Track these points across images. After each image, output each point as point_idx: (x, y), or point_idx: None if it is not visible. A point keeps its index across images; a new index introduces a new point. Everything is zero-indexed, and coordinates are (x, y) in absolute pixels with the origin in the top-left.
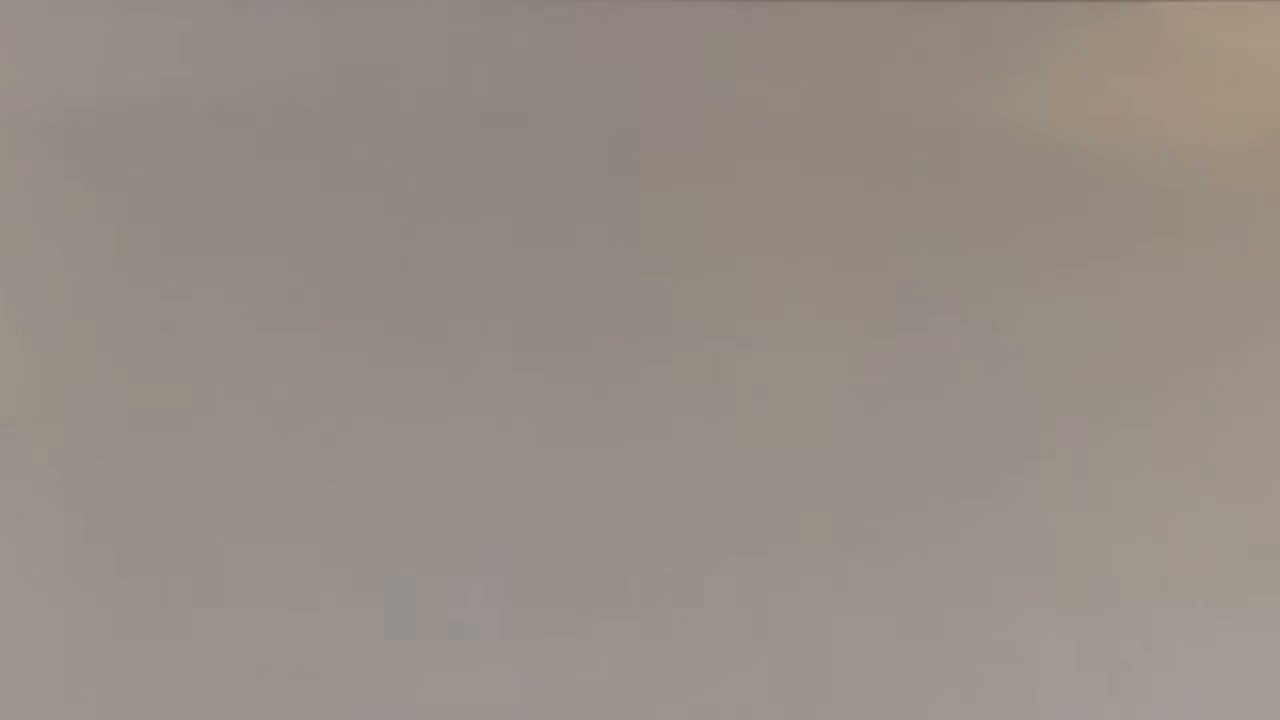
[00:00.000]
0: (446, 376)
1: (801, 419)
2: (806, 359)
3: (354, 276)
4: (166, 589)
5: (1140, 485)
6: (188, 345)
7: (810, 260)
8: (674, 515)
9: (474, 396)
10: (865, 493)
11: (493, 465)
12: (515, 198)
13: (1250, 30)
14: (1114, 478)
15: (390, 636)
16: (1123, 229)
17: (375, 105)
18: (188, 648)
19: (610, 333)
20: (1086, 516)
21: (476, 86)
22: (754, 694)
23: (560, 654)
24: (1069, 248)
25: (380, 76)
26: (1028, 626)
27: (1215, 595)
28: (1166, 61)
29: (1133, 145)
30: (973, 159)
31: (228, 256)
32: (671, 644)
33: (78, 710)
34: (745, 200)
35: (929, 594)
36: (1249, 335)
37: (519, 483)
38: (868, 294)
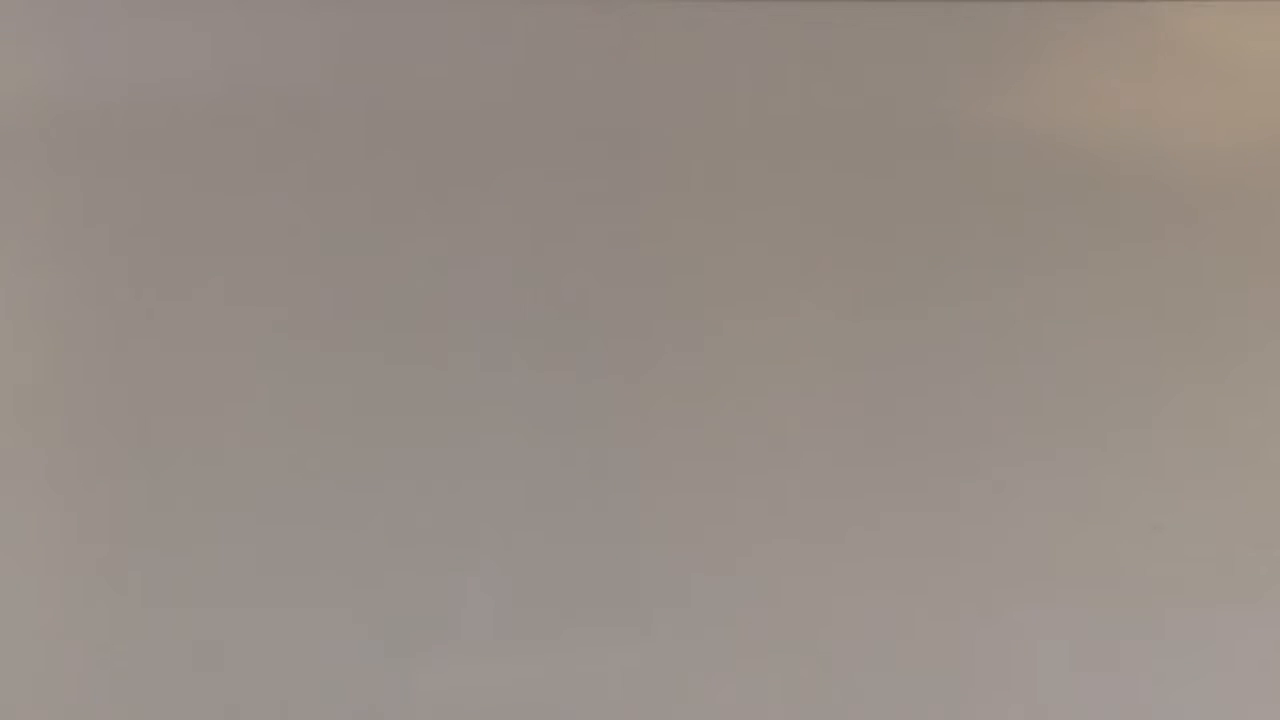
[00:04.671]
0: (446, 377)
1: (801, 419)
2: (806, 359)
3: (354, 276)
4: (166, 589)
5: (1140, 485)
6: (187, 345)
7: (810, 260)
8: (674, 515)
9: (474, 396)
10: (865, 493)
11: (492, 466)
12: (515, 198)
13: (1250, 30)
14: (1114, 477)
15: (390, 636)
16: (1123, 229)
17: (375, 105)
18: (186, 648)
19: (610, 333)
20: (1086, 516)
21: (476, 86)
22: (754, 694)
23: (560, 654)
24: (1069, 247)
25: (380, 76)
26: (1028, 626)
27: (1215, 595)
28: (1166, 61)
29: (1133, 145)
30: (973, 159)
31: (227, 256)
32: (671, 644)
33: (77, 710)
34: (745, 200)
35: (928, 594)
36: (1249, 335)
37: (519, 483)
38: (867, 293)
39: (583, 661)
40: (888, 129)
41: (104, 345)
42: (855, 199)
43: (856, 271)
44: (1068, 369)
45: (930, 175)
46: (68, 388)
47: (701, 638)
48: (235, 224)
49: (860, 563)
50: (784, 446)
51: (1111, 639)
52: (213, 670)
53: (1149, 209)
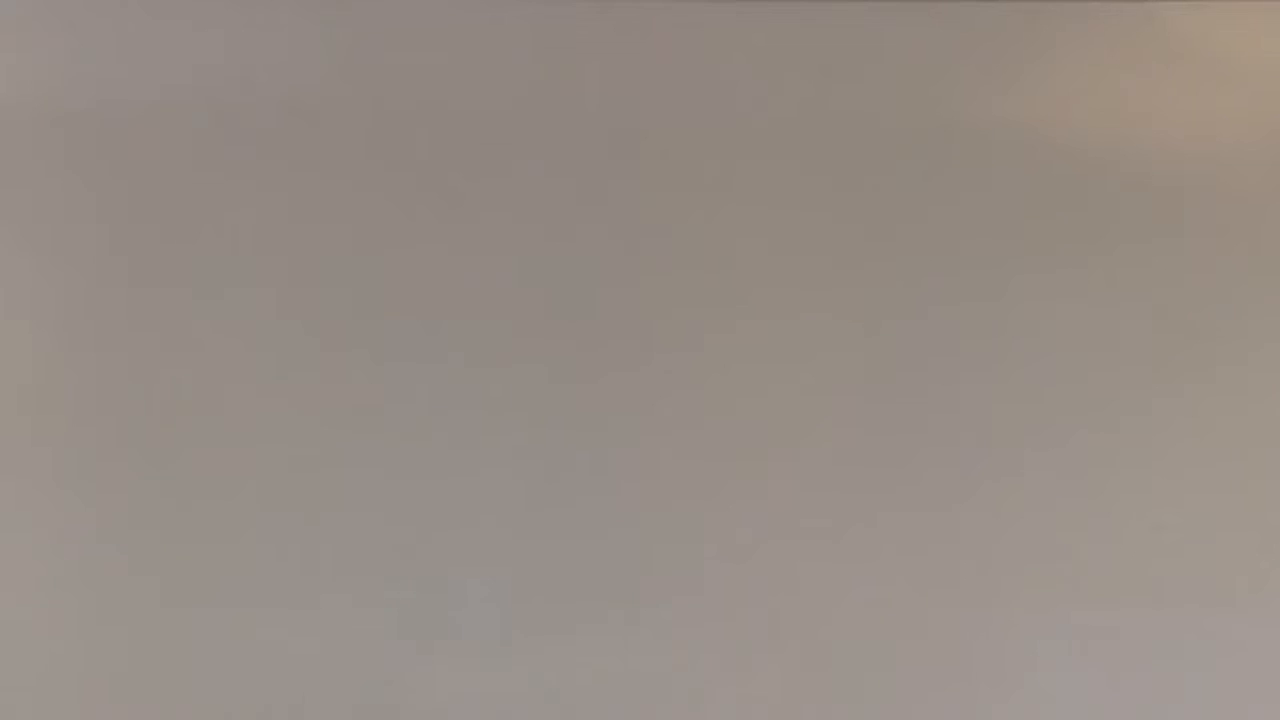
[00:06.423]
0: (446, 376)
1: (801, 418)
2: (806, 358)
3: (354, 276)
4: (167, 589)
5: (1140, 484)
6: (188, 345)
7: (810, 259)
8: (673, 514)
9: (474, 396)
10: (865, 492)
11: (493, 465)
12: (515, 197)
13: (1250, 30)
14: (1113, 477)
15: (391, 636)
16: (1123, 229)
17: (375, 105)
18: (188, 648)
19: (610, 332)
20: (1086, 515)
21: (477, 86)
22: (754, 693)
23: (560, 654)
24: (1069, 248)
25: (380, 76)
26: (1027, 625)
27: (1215, 595)
28: (1166, 61)
29: (1133, 145)
30: (973, 159)
31: (228, 256)
32: (671, 643)
33: (78, 710)
34: (745, 200)
35: (928, 593)
36: (1249, 335)
37: (519, 483)
38: (867, 293)
39: (584, 660)
40: (888, 129)
41: (107, 344)
42: (856, 199)
43: (857, 271)
44: (1067, 368)
45: (930, 175)
46: (72, 387)
47: (702, 636)
48: (235, 223)
49: (861, 562)
50: (785, 445)
51: (1112, 638)
52: (213, 670)
53: (1149, 209)
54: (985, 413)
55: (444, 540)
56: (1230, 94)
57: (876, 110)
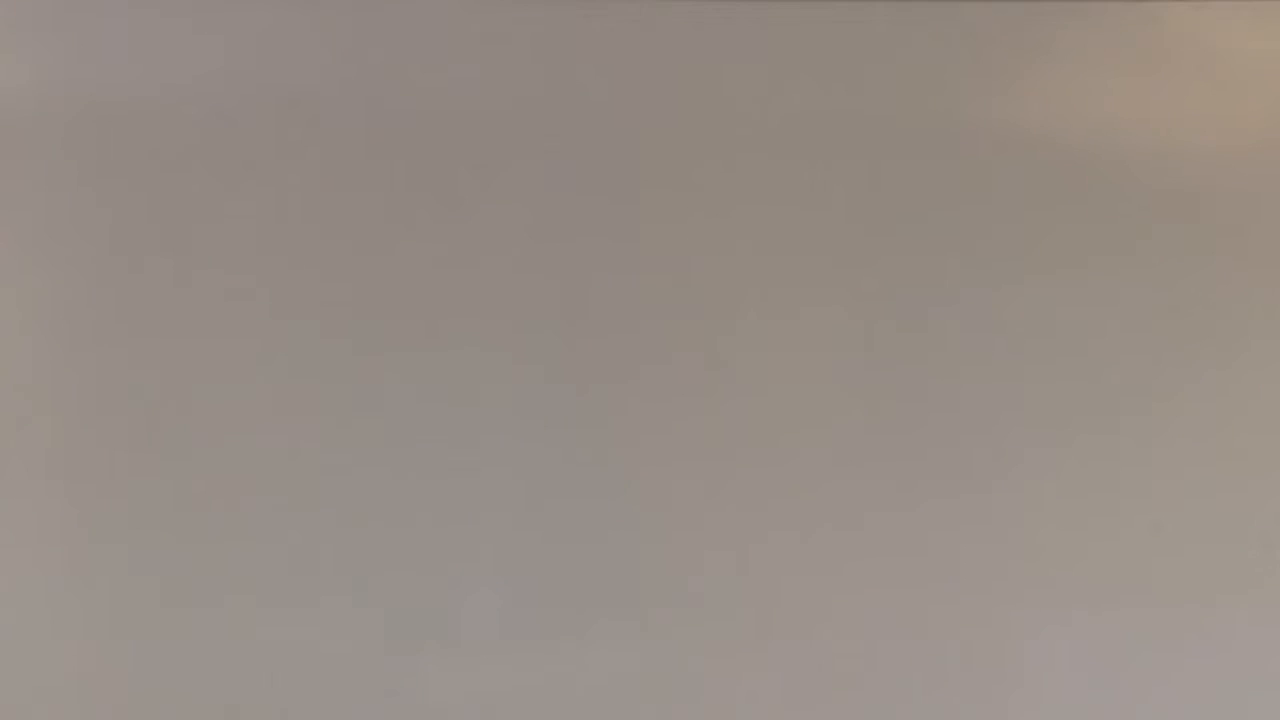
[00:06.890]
0: (446, 375)
1: (802, 418)
2: (806, 358)
3: (354, 276)
4: (164, 588)
5: (1140, 484)
6: (187, 345)
7: (810, 259)
8: (674, 514)
9: (473, 395)
10: (866, 492)
11: (493, 465)
12: (515, 197)
13: (1250, 30)
14: (1113, 477)
15: (390, 636)
16: (1123, 229)
17: (375, 105)
18: (188, 648)
19: (610, 331)
20: (1086, 515)
21: (477, 86)
22: (755, 693)
23: (560, 654)
24: (1069, 248)
25: (380, 76)
26: (1027, 625)
27: (1215, 595)
28: (1166, 61)
29: (1133, 145)
30: (973, 159)
31: (228, 256)
32: (672, 643)
33: (78, 710)
34: (745, 200)
35: (931, 592)
36: (1249, 335)
37: (519, 483)
38: (868, 293)
39: (583, 661)
40: (888, 129)
41: (106, 343)
42: (855, 199)
43: (857, 272)
44: (1068, 369)
45: (930, 175)
46: (70, 386)
47: (704, 637)
48: (235, 223)
49: (862, 562)
50: (786, 446)
51: (1112, 638)
52: (211, 670)
53: (1149, 209)
54: (985, 412)
55: (443, 540)
56: (1230, 94)
57: (876, 110)
